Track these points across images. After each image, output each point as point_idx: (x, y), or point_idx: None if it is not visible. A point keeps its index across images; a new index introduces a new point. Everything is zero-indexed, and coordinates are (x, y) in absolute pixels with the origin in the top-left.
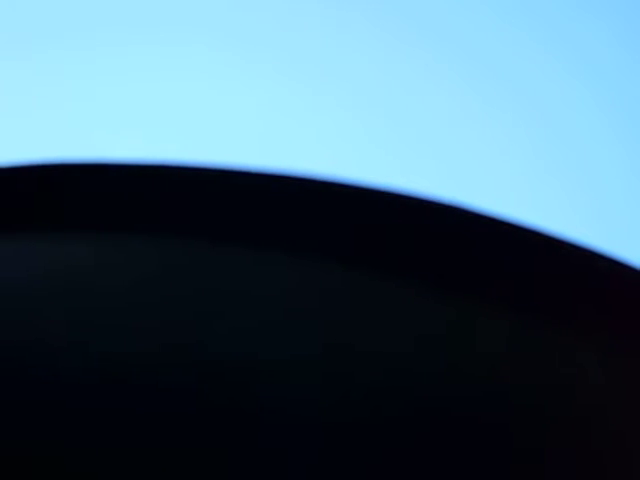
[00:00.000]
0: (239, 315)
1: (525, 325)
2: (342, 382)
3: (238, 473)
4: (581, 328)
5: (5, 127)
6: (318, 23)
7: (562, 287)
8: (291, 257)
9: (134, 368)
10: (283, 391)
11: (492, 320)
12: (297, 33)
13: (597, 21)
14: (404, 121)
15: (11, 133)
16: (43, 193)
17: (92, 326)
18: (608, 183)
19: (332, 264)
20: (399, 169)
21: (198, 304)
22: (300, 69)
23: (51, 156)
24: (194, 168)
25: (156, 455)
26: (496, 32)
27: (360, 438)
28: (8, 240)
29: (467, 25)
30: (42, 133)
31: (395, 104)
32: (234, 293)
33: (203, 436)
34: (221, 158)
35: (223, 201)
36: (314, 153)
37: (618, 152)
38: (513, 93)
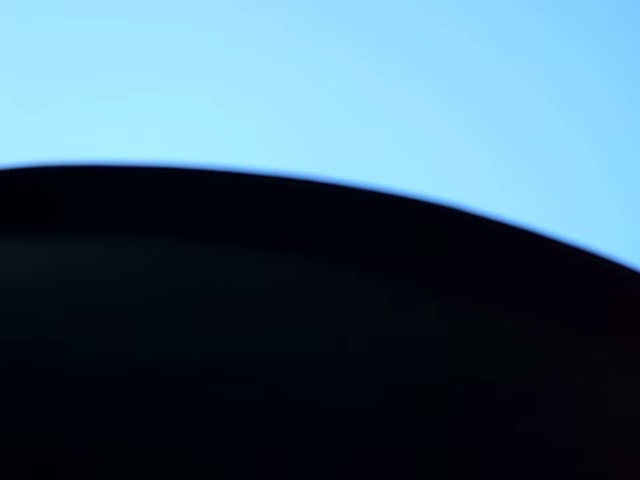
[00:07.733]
0: (237, 312)
1: (525, 325)
2: (341, 378)
3: (239, 468)
4: (582, 328)
5: (5, 128)
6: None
7: (563, 288)
8: (289, 257)
9: (134, 364)
10: (281, 385)
11: (492, 320)
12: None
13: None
14: (402, 121)
15: (11, 134)
16: (43, 194)
17: (92, 324)
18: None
19: (329, 263)
20: (397, 169)
21: (197, 302)
22: (297, 69)
23: (51, 157)
24: (192, 169)
25: (157, 451)
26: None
27: (356, 433)
28: (8, 240)
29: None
30: (42, 134)
31: (393, 104)
32: (233, 292)
33: (203, 430)
34: (220, 159)
35: (221, 202)
36: (314, 153)
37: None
38: (513, 92)
